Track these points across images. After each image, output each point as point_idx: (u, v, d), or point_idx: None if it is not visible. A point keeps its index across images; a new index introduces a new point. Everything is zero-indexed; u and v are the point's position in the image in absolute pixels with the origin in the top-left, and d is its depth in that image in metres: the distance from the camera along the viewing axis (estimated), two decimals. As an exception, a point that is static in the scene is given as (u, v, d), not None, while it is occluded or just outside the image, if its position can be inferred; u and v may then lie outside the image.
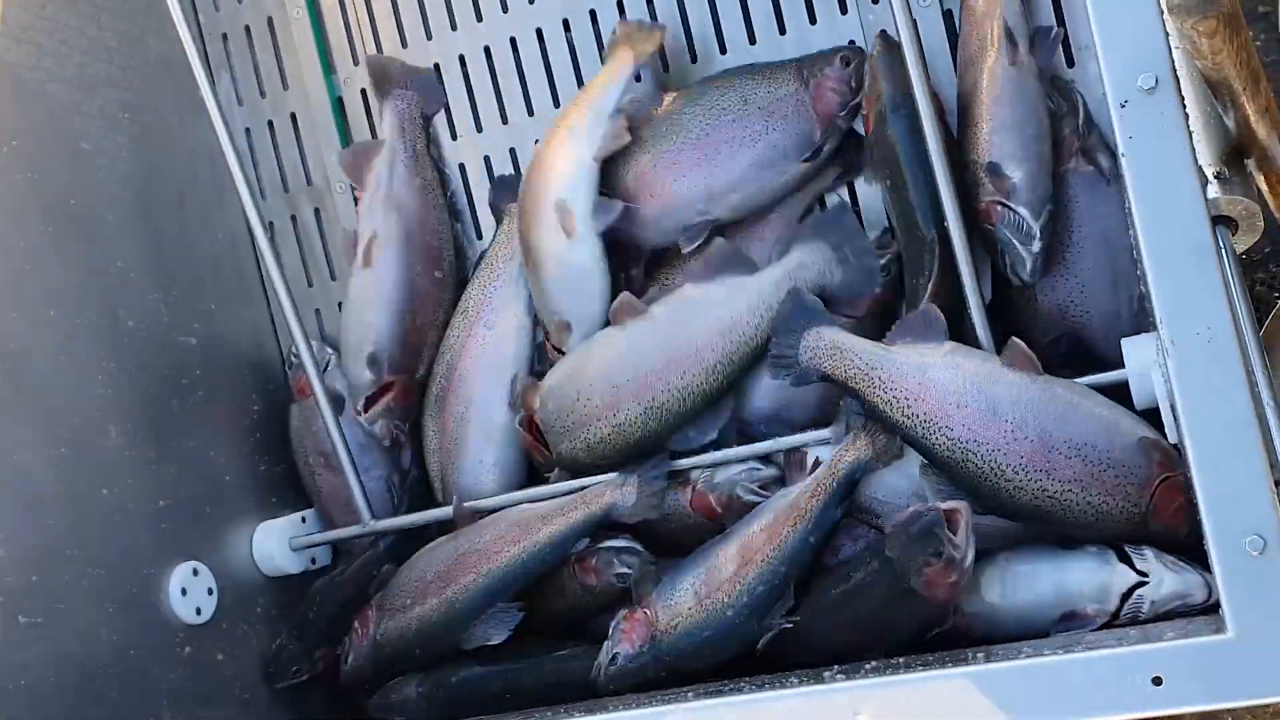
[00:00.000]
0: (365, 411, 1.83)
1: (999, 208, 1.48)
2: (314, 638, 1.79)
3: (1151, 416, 1.38)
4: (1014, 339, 1.44)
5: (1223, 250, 1.18)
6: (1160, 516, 1.37)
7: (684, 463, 1.63)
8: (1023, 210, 1.48)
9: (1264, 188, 1.47)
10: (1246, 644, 1.05)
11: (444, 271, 1.85)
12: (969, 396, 1.41)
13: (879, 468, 1.49)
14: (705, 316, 1.61)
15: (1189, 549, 1.37)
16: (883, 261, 1.59)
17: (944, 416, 1.41)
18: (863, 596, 1.45)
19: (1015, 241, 1.48)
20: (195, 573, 1.72)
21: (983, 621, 1.44)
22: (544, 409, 1.69)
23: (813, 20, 1.74)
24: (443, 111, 1.92)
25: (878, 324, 1.58)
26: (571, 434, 1.66)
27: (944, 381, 1.42)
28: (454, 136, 1.92)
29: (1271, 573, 1.05)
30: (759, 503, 1.57)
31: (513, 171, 1.89)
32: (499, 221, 1.86)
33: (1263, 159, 1.37)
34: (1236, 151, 1.37)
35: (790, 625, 1.47)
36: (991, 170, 1.49)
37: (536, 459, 1.76)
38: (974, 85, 1.54)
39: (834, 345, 1.50)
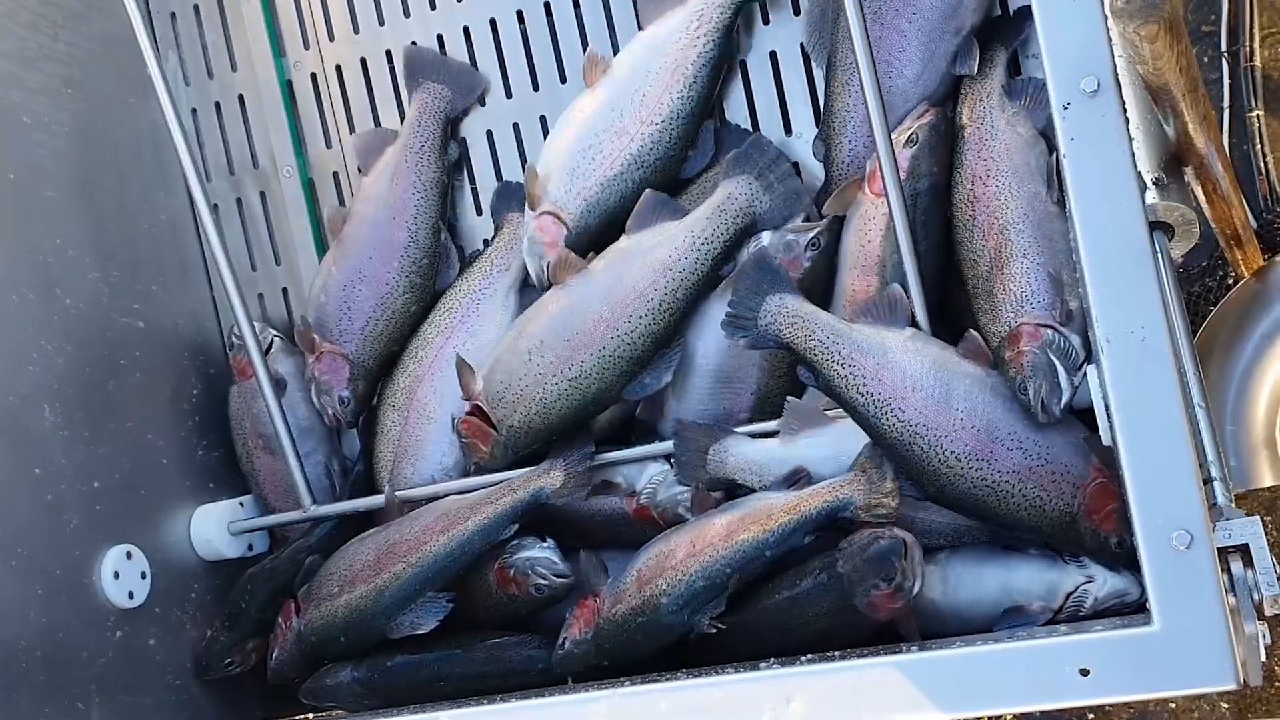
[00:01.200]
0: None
1: (1050, 331, 1.42)
2: (246, 628, 1.78)
3: (1087, 417, 1.40)
4: (971, 331, 1.46)
5: (1159, 254, 1.20)
6: (1090, 517, 1.39)
7: (610, 456, 1.65)
8: (1075, 339, 1.42)
9: (1201, 197, 1.50)
10: (1172, 636, 1.07)
11: (403, 265, 1.82)
12: (925, 381, 1.42)
13: (863, 517, 1.44)
14: (643, 260, 1.62)
15: (1113, 557, 1.40)
16: (811, 236, 1.60)
17: (898, 398, 1.42)
18: (806, 605, 1.45)
19: (1061, 369, 1.39)
20: (129, 556, 1.70)
21: (924, 619, 1.45)
22: (489, 384, 1.68)
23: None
24: (394, 100, 1.91)
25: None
26: (525, 398, 1.65)
27: (902, 364, 1.43)
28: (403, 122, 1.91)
29: (1197, 567, 1.07)
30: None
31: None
32: (498, 229, 1.85)
33: (1200, 168, 1.40)
34: (1175, 159, 1.39)
35: (714, 631, 1.46)
36: (1054, 286, 1.43)
37: (477, 453, 1.72)
38: (1017, 210, 1.47)
39: (796, 314, 1.51)
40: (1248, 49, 2.32)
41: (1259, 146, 2.31)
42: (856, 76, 1.50)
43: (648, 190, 1.67)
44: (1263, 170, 2.29)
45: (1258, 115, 2.32)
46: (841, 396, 1.47)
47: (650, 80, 1.68)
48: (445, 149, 1.85)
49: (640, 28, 1.73)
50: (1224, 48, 2.35)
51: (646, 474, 1.64)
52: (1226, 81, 2.34)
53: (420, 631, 1.63)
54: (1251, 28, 2.32)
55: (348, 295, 1.81)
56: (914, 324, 1.49)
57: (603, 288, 1.64)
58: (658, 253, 1.62)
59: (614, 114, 1.69)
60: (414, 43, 1.89)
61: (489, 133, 1.87)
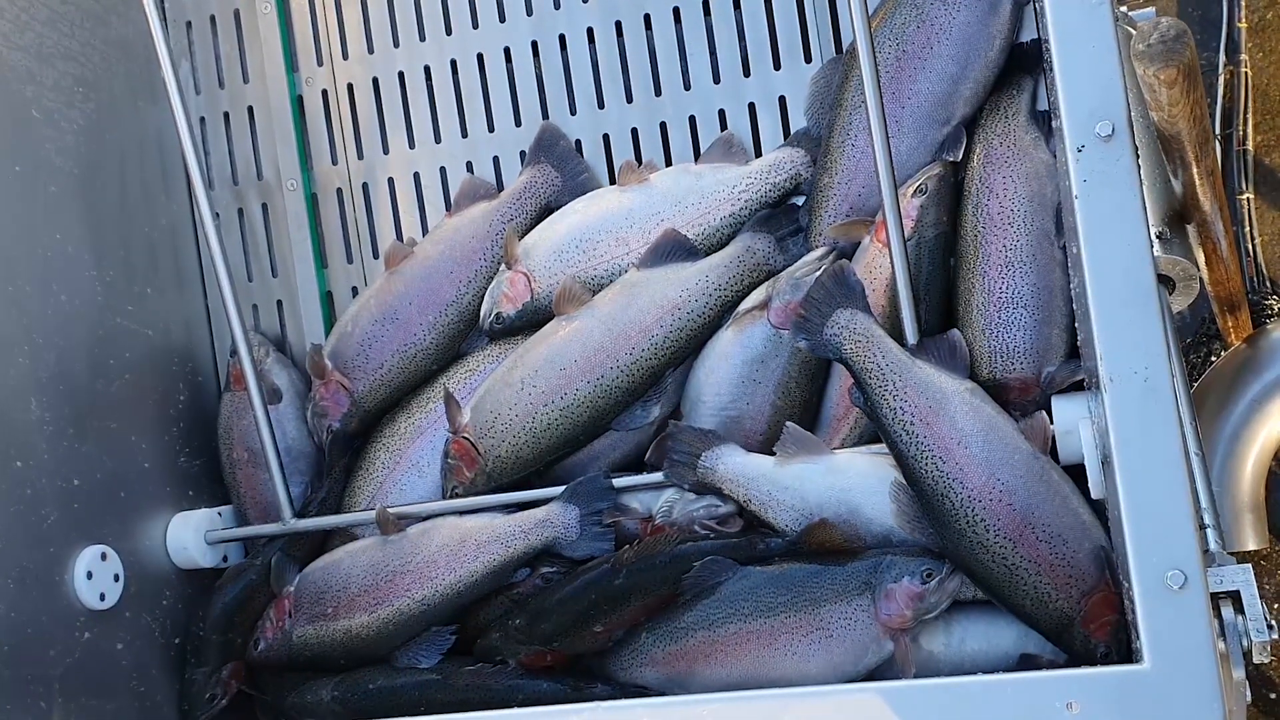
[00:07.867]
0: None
1: (1034, 388, 1.50)
2: (214, 655, 1.75)
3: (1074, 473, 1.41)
4: (1040, 413, 1.44)
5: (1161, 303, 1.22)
6: (1087, 624, 1.37)
7: (623, 480, 1.63)
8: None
9: (1200, 259, 1.52)
10: (1162, 675, 1.06)
11: (436, 322, 1.80)
12: (973, 441, 1.40)
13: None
14: (652, 295, 1.64)
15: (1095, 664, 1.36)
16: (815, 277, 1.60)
17: (942, 448, 1.40)
18: (820, 579, 1.46)
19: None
20: (104, 557, 1.67)
21: (929, 670, 1.45)
22: (478, 415, 1.68)
23: (777, 66, 1.79)
24: (404, 121, 1.92)
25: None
26: (515, 429, 1.65)
27: (955, 415, 1.41)
28: (411, 145, 1.92)
29: (1191, 608, 1.07)
30: (714, 536, 1.57)
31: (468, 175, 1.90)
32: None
33: (1203, 225, 1.42)
34: (1179, 216, 1.41)
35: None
36: (1046, 347, 1.49)
37: (460, 477, 1.71)
38: (1026, 246, 1.51)
39: (865, 333, 1.47)
40: (1240, 133, 2.37)
41: (1248, 229, 2.35)
42: (849, 153, 1.56)
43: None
44: (1251, 252, 2.33)
45: (1248, 198, 2.36)
46: (886, 428, 1.44)
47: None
48: (530, 229, 1.81)
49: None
50: (1218, 131, 2.40)
51: (662, 498, 1.63)
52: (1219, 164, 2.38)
53: (421, 667, 1.63)
54: (1245, 112, 2.38)
55: (374, 333, 1.80)
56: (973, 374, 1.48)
57: (607, 317, 1.65)
58: (668, 291, 1.64)
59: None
60: (426, 67, 1.91)
61: (495, 159, 1.89)
